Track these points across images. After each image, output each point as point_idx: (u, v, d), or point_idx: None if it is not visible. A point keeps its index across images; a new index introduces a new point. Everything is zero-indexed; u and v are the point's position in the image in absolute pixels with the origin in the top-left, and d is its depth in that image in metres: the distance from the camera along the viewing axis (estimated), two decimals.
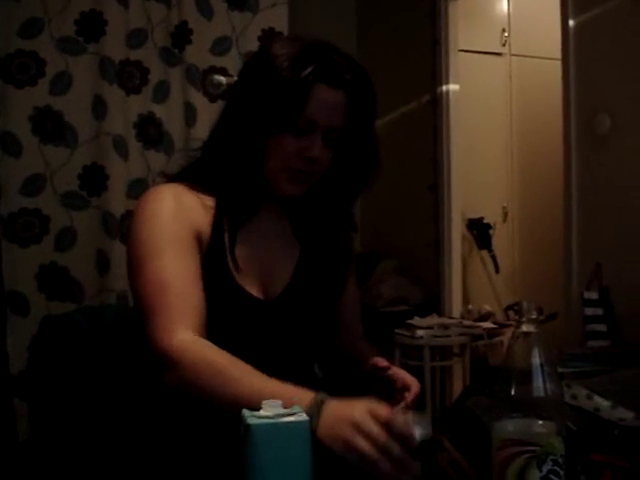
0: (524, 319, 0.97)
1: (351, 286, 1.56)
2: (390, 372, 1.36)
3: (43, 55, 2.74)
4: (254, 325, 1.34)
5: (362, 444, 0.94)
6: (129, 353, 1.48)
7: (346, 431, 0.96)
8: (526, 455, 0.92)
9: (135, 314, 1.27)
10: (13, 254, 2.74)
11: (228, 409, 1.06)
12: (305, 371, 1.45)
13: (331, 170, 1.39)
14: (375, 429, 0.95)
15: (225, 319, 1.30)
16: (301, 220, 1.46)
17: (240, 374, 1.11)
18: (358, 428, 0.96)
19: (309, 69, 1.28)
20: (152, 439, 1.34)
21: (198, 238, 1.31)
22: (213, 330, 1.23)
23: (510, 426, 0.94)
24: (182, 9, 2.91)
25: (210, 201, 1.36)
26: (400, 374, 1.36)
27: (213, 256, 1.32)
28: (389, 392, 1.35)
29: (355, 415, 0.97)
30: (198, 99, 2.93)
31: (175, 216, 1.29)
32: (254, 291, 1.34)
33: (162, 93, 2.91)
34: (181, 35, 2.91)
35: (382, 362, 1.36)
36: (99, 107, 2.81)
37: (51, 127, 2.77)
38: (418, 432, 0.99)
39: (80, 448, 1.51)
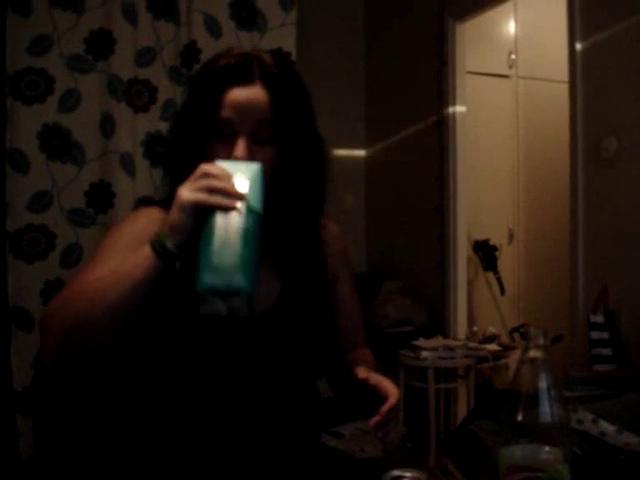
0: (531, 344, 0.97)
1: (345, 292, 1.52)
2: (372, 383, 1.29)
3: (52, 72, 2.75)
4: (238, 346, 1.30)
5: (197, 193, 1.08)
6: (133, 370, 1.47)
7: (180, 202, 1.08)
8: None
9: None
10: (19, 270, 2.73)
11: (110, 314, 1.13)
12: (305, 389, 1.43)
13: (284, 179, 1.32)
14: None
15: (213, 343, 1.28)
16: (273, 240, 1.38)
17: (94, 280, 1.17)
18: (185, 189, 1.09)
19: (217, 74, 1.29)
20: (158, 458, 1.33)
21: None
22: (203, 354, 1.22)
23: (516, 452, 0.94)
24: (191, 28, 2.92)
25: None
26: (382, 385, 1.29)
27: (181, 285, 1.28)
28: (377, 401, 1.28)
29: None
30: None
31: (130, 240, 1.28)
32: None
33: (170, 112, 2.91)
34: (190, 54, 2.92)
35: (362, 373, 1.30)
36: (107, 125, 2.82)
37: (59, 144, 2.77)
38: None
39: (84, 466, 1.50)
